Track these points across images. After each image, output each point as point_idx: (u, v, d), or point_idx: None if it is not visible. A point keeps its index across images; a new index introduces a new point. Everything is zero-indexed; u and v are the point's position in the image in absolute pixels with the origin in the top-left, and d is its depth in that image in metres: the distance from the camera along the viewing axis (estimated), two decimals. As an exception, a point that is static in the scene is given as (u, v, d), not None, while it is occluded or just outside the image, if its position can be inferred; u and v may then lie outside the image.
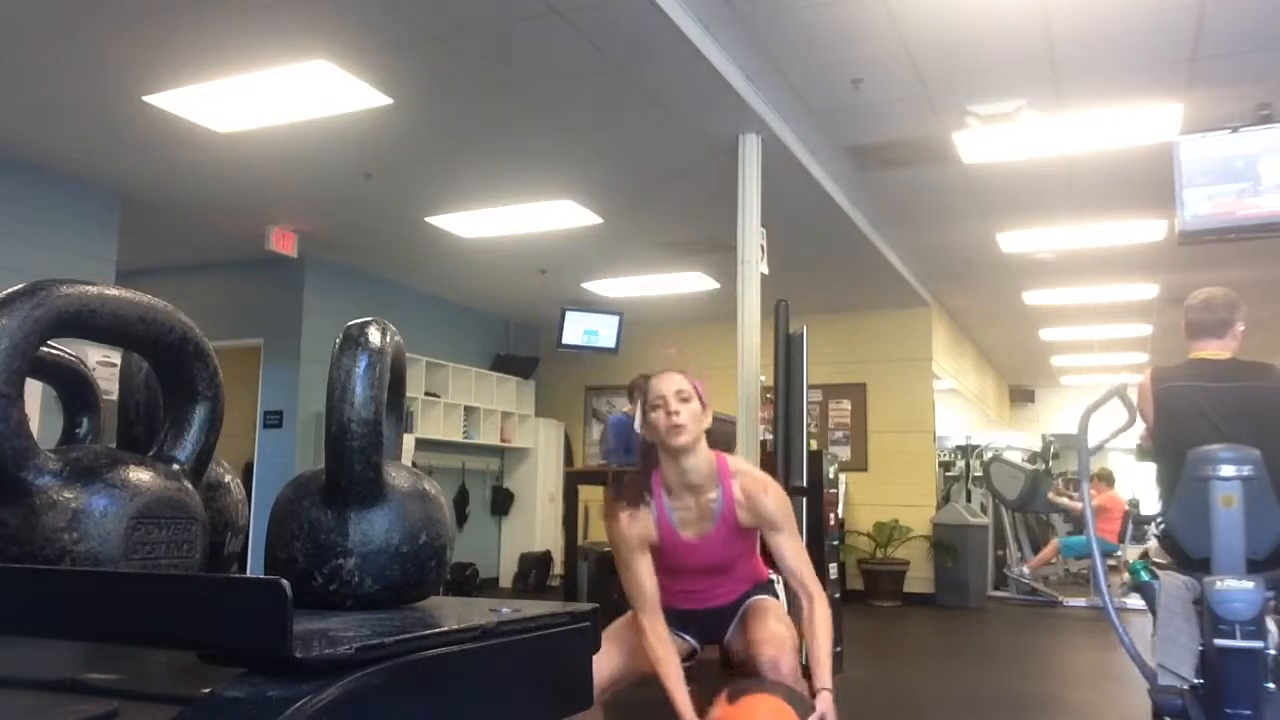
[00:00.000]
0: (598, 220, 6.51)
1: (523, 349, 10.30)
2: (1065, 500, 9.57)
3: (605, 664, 2.45)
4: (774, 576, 2.73)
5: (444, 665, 0.75)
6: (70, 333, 0.86)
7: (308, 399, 7.59)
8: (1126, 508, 9.69)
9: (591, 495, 7.34)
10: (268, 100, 4.62)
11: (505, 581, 9.77)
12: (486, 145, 5.31)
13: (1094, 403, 3.43)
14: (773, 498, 2.49)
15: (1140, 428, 3.44)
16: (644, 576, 2.46)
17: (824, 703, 2.29)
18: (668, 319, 9.36)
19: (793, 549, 2.50)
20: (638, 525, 2.47)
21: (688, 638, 2.69)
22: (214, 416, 1.00)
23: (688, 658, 2.68)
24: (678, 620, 2.61)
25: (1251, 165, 4.31)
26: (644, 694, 4.70)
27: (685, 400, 2.43)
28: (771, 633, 2.45)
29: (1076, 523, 10.14)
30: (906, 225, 7.09)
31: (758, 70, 4.55)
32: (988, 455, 10.07)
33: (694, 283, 8.22)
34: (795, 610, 2.59)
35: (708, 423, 2.49)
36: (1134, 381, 3.46)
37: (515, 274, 8.18)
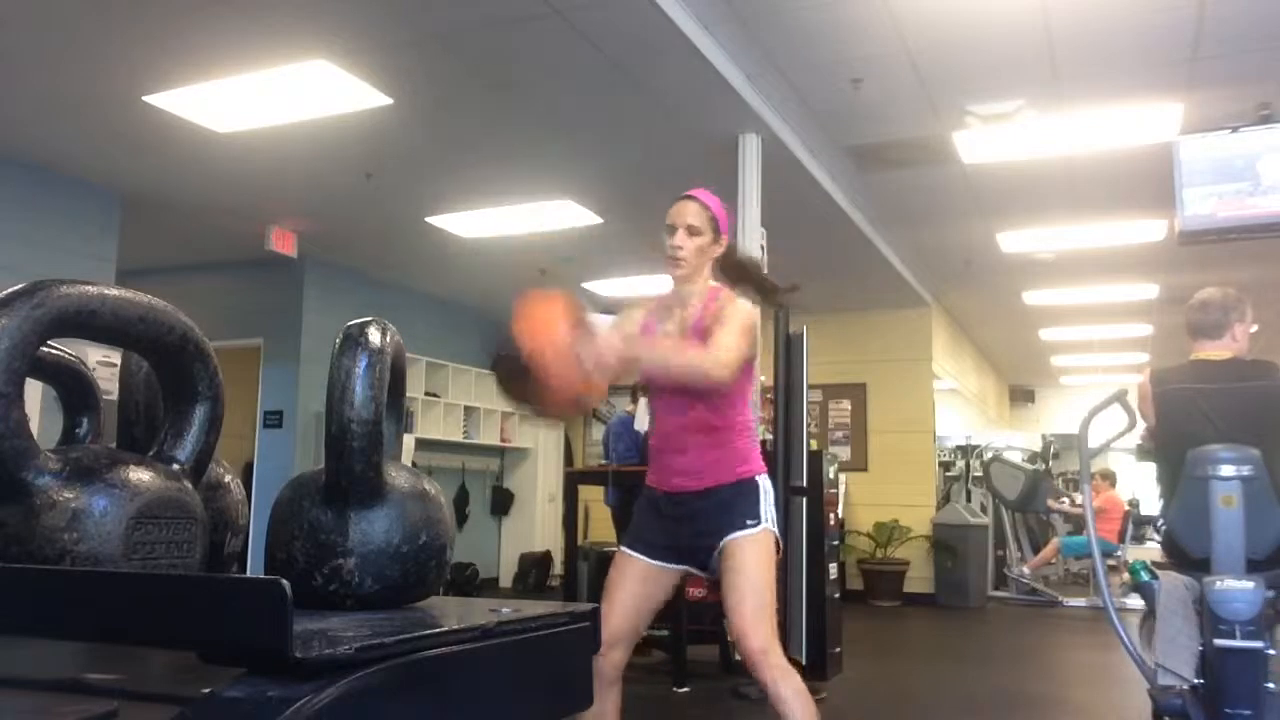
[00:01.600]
0: (598, 220, 6.51)
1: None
2: (1064, 505, 9.58)
3: (612, 618, 2.38)
4: (760, 479, 2.49)
5: (444, 665, 0.75)
6: (70, 333, 0.86)
7: (308, 399, 7.59)
8: (1126, 508, 9.69)
9: (592, 495, 7.36)
10: (268, 100, 4.62)
11: (505, 581, 9.77)
12: (486, 145, 5.31)
13: (1095, 407, 3.43)
14: (733, 306, 2.44)
15: (1141, 427, 3.44)
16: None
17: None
18: (668, 319, 9.35)
19: (719, 331, 2.37)
20: (627, 326, 2.56)
21: (676, 564, 2.49)
22: (214, 416, 1.00)
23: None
24: (661, 529, 2.47)
25: (1251, 165, 4.31)
26: (644, 692, 4.70)
27: (694, 233, 2.48)
28: (739, 602, 2.31)
29: (1076, 523, 10.14)
30: (906, 225, 7.09)
31: (758, 70, 4.55)
32: (988, 455, 10.08)
33: (694, 283, 8.21)
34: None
35: (718, 251, 2.54)
36: (1135, 382, 3.46)
37: (515, 274, 8.18)
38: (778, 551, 2.46)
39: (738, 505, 2.43)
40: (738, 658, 2.44)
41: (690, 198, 2.54)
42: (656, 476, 2.55)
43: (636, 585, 2.45)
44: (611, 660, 2.39)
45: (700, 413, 2.46)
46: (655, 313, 2.59)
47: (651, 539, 2.49)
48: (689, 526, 2.45)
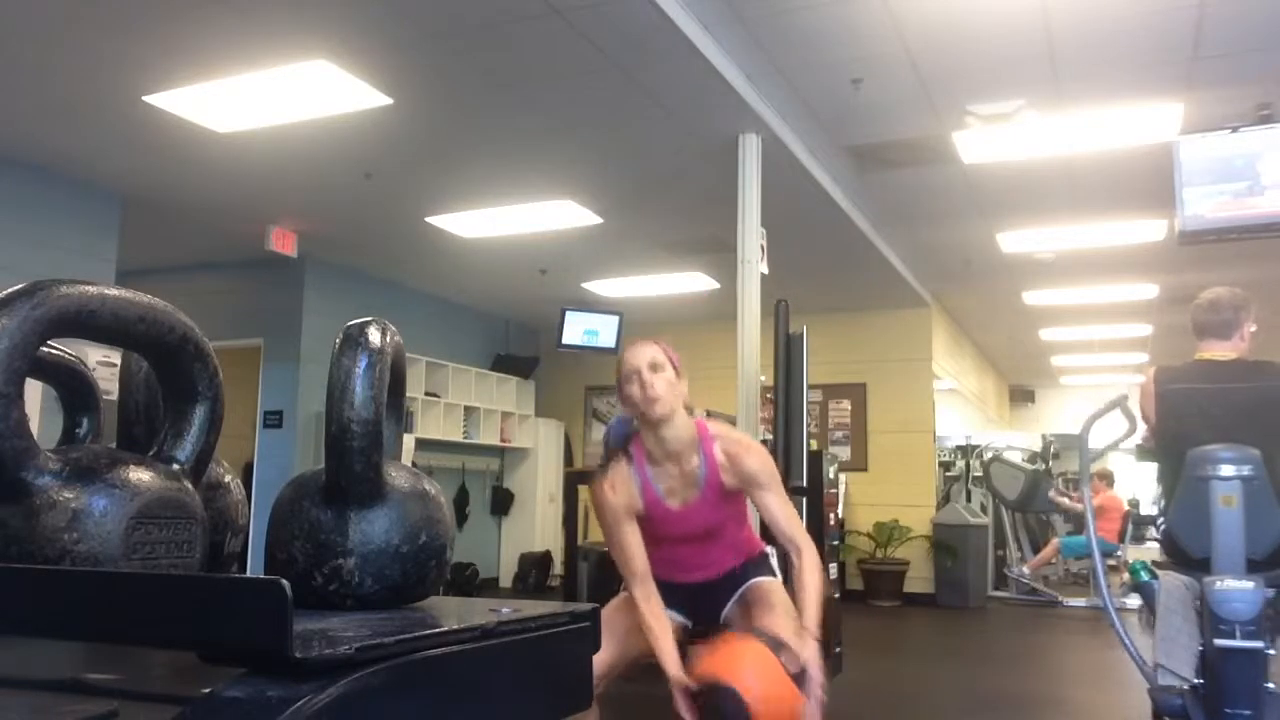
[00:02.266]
0: (598, 220, 6.51)
1: (523, 349, 10.30)
2: (1066, 501, 9.57)
3: (600, 654, 2.41)
4: (769, 550, 2.66)
5: (444, 665, 0.75)
6: (70, 333, 0.86)
7: (308, 399, 7.59)
8: (1126, 508, 9.70)
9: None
10: (268, 100, 4.62)
11: (505, 581, 9.77)
12: (486, 145, 5.32)
13: (1096, 412, 3.43)
14: (755, 457, 2.45)
15: (1142, 429, 3.44)
16: (633, 547, 2.44)
17: (809, 649, 2.26)
18: (668, 319, 9.36)
19: (780, 506, 2.45)
20: (622, 495, 2.46)
21: (676, 615, 2.60)
22: (214, 416, 1.00)
23: (679, 635, 2.65)
24: (667, 596, 2.54)
25: (1251, 165, 4.31)
26: (643, 691, 4.69)
27: (657, 370, 2.39)
28: (779, 626, 2.40)
29: (1076, 523, 10.14)
30: (906, 225, 7.09)
31: (758, 70, 4.55)
32: (988, 455, 10.08)
33: (694, 283, 8.23)
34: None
35: (683, 389, 2.45)
36: (1135, 382, 3.46)
37: (515, 274, 8.19)
38: None
39: (751, 569, 2.60)
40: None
41: (638, 341, 2.49)
42: (666, 575, 2.55)
43: (639, 635, 2.47)
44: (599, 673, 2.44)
45: (722, 545, 2.58)
46: (642, 469, 2.49)
47: (670, 602, 2.55)
48: (705, 597, 2.58)
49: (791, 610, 2.45)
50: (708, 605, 2.60)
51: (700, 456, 2.44)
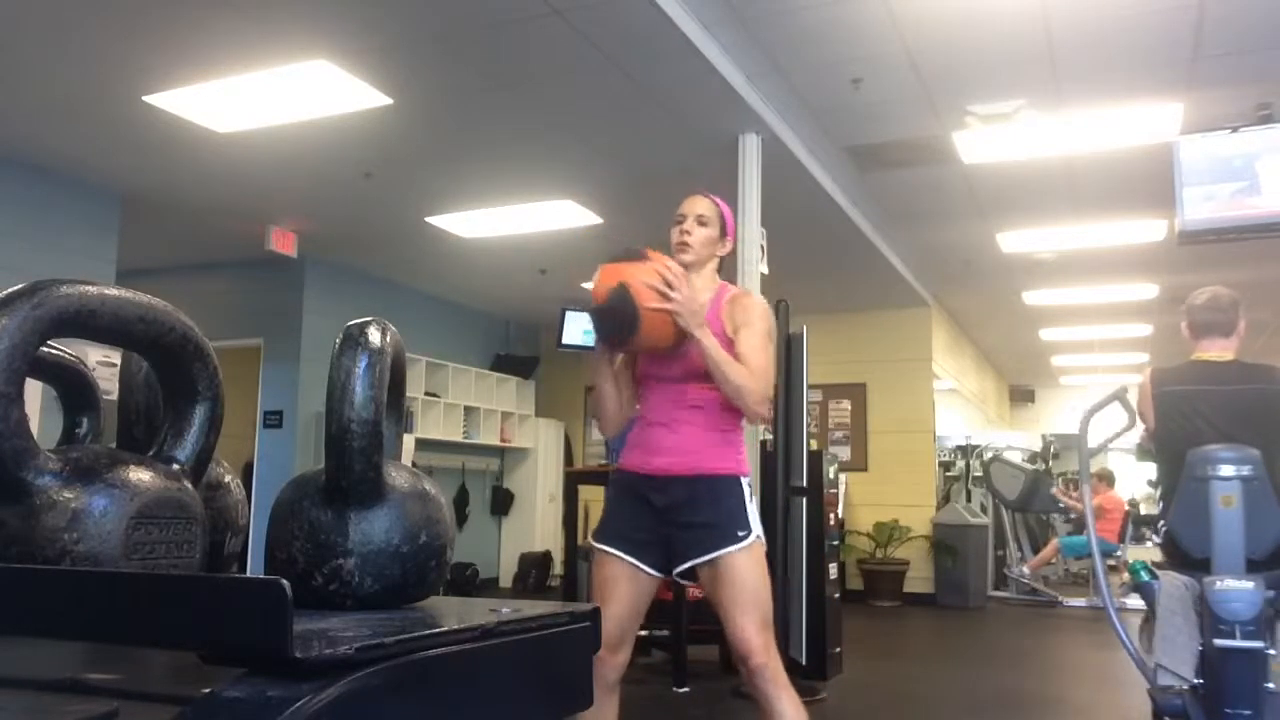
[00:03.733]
0: (598, 220, 6.51)
1: (523, 349, 10.30)
2: (1070, 500, 9.57)
3: (608, 622, 2.27)
4: (744, 480, 2.43)
5: (444, 665, 0.75)
6: (70, 333, 0.86)
7: (308, 399, 7.59)
8: (1126, 508, 9.70)
9: (592, 495, 7.34)
10: (268, 100, 4.62)
11: (505, 581, 9.77)
12: (486, 145, 5.32)
13: (1094, 405, 3.43)
14: (758, 306, 2.52)
15: (1141, 428, 3.44)
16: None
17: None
18: (668, 319, 9.34)
19: (750, 341, 2.40)
20: None
21: (655, 570, 2.40)
22: (214, 416, 1.00)
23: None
24: (640, 525, 2.39)
25: (1251, 165, 4.31)
26: (644, 692, 4.69)
27: (703, 224, 2.55)
28: (738, 622, 2.28)
29: (1076, 523, 10.14)
30: (906, 225, 7.09)
31: (758, 70, 4.55)
32: (988, 455, 10.08)
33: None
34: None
35: (724, 250, 2.59)
36: (1135, 382, 3.46)
37: (515, 274, 8.19)
38: (766, 575, 2.41)
39: (725, 509, 2.35)
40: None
41: (701, 193, 2.62)
42: (637, 458, 2.45)
43: (627, 586, 2.37)
44: (614, 663, 2.35)
45: (700, 391, 2.41)
46: None
47: (630, 533, 2.39)
48: (673, 516, 2.36)
49: (760, 594, 2.32)
50: (677, 530, 2.36)
51: (711, 296, 2.52)
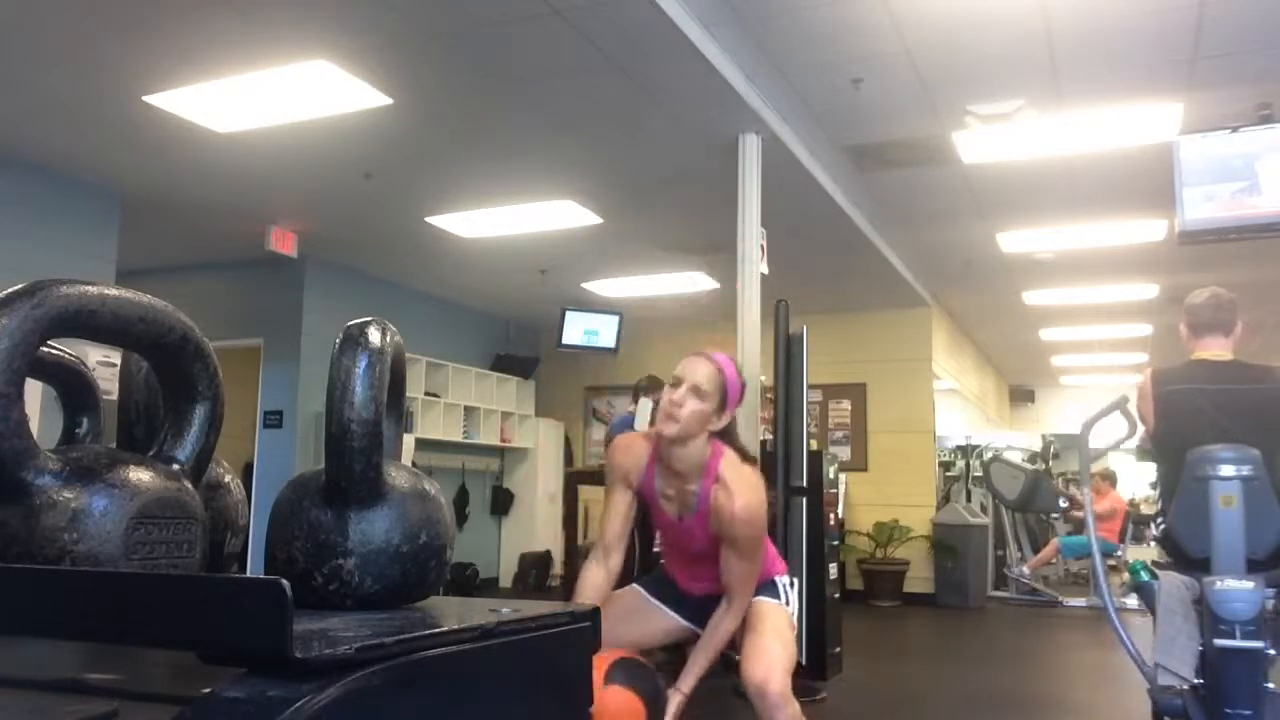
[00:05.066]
0: (598, 220, 6.51)
1: (523, 349, 10.30)
2: (1076, 511, 9.57)
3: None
4: (779, 579, 2.54)
5: (444, 665, 0.75)
6: (70, 333, 0.86)
7: (308, 399, 7.59)
8: (1127, 508, 9.70)
9: (591, 495, 7.35)
10: (268, 100, 4.62)
11: (505, 581, 9.77)
12: (486, 145, 5.32)
13: (1095, 414, 3.42)
14: (740, 524, 2.28)
15: (1141, 432, 3.44)
16: (614, 512, 2.40)
17: (672, 705, 2.24)
18: (668, 319, 9.36)
19: (737, 568, 2.32)
20: (628, 462, 2.42)
21: (686, 621, 2.54)
22: (214, 416, 1.00)
23: (688, 642, 2.62)
24: (677, 600, 2.54)
25: (1250, 165, 4.31)
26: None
27: (698, 396, 2.28)
28: (764, 650, 2.32)
29: (1077, 523, 10.14)
30: (906, 225, 7.09)
31: (758, 70, 4.55)
32: (988, 455, 10.07)
33: (694, 283, 8.23)
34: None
35: (719, 425, 2.33)
36: (1135, 382, 3.45)
37: (515, 274, 8.18)
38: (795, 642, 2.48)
39: (762, 590, 2.49)
40: (739, 658, 2.43)
41: (708, 358, 2.36)
42: (678, 577, 2.55)
43: (650, 620, 2.49)
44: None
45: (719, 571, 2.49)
46: (652, 463, 2.42)
47: (665, 596, 2.53)
48: (710, 608, 2.46)
49: (782, 633, 2.39)
50: (708, 613, 2.50)
51: (699, 486, 2.34)
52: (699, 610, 2.51)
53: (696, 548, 2.41)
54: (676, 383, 2.31)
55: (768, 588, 2.51)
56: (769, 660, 2.30)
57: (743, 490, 2.29)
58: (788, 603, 2.51)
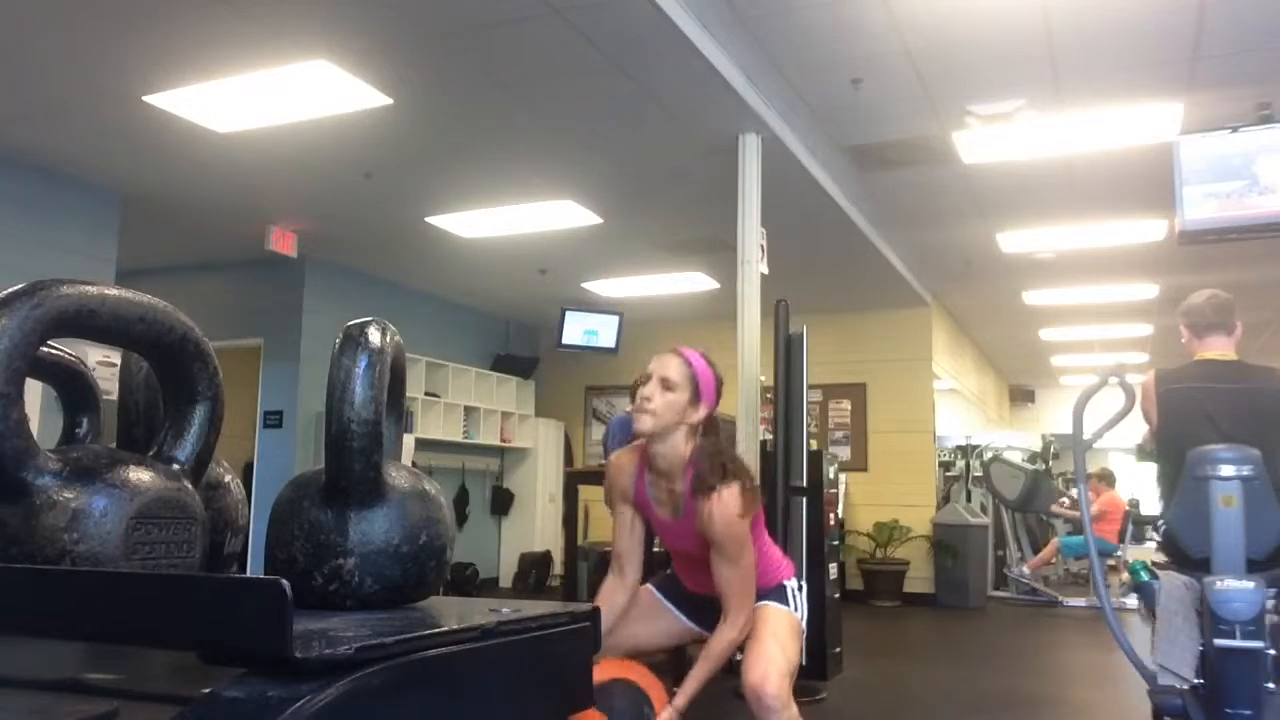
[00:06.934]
0: (598, 220, 6.50)
1: (523, 349, 10.30)
2: (1065, 508, 9.59)
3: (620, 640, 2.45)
4: (789, 584, 2.53)
5: (444, 665, 0.75)
6: (70, 333, 0.86)
7: (308, 399, 7.59)
8: (1126, 508, 9.70)
9: (591, 495, 7.34)
10: (268, 100, 4.62)
11: (505, 581, 9.77)
12: (486, 145, 5.31)
13: (1087, 390, 3.30)
14: (719, 523, 2.27)
15: (1144, 429, 3.44)
16: (621, 528, 2.47)
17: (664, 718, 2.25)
18: (668, 319, 9.36)
19: (727, 575, 2.31)
20: (621, 480, 2.48)
21: (691, 622, 2.57)
22: (214, 416, 1.00)
23: (693, 642, 2.64)
24: (684, 598, 2.57)
25: (1250, 165, 4.31)
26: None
27: (668, 388, 2.31)
28: (762, 653, 2.31)
29: (1076, 523, 10.14)
30: (906, 225, 7.09)
31: (758, 70, 4.55)
32: (988, 455, 10.07)
33: (694, 283, 8.23)
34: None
35: (696, 417, 2.34)
36: (1138, 381, 3.44)
37: (515, 274, 8.19)
38: (800, 647, 2.48)
39: (770, 594, 2.50)
40: (739, 658, 2.43)
41: (675, 353, 2.40)
42: (684, 580, 2.57)
43: (653, 626, 2.51)
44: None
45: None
46: (642, 471, 2.45)
47: (678, 598, 2.55)
48: (712, 609, 2.47)
49: (782, 637, 2.38)
50: (714, 617, 2.49)
51: (683, 487, 2.36)
52: (703, 610, 2.52)
53: (691, 549, 2.43)
54: (645, 379, 2.36)
55: (775, 593, 2.50)
56: (766, 663, 2.29)
57: (720, 491, 2.30)
58: (797, 608, 2.49)
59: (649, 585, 2.60)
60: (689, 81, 4.38)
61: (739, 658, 2.45)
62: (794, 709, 2.31)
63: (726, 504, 2.28)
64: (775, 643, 2.35)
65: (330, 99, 4.60)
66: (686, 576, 2.57)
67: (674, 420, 2.32)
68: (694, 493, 2.32)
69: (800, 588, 2.55)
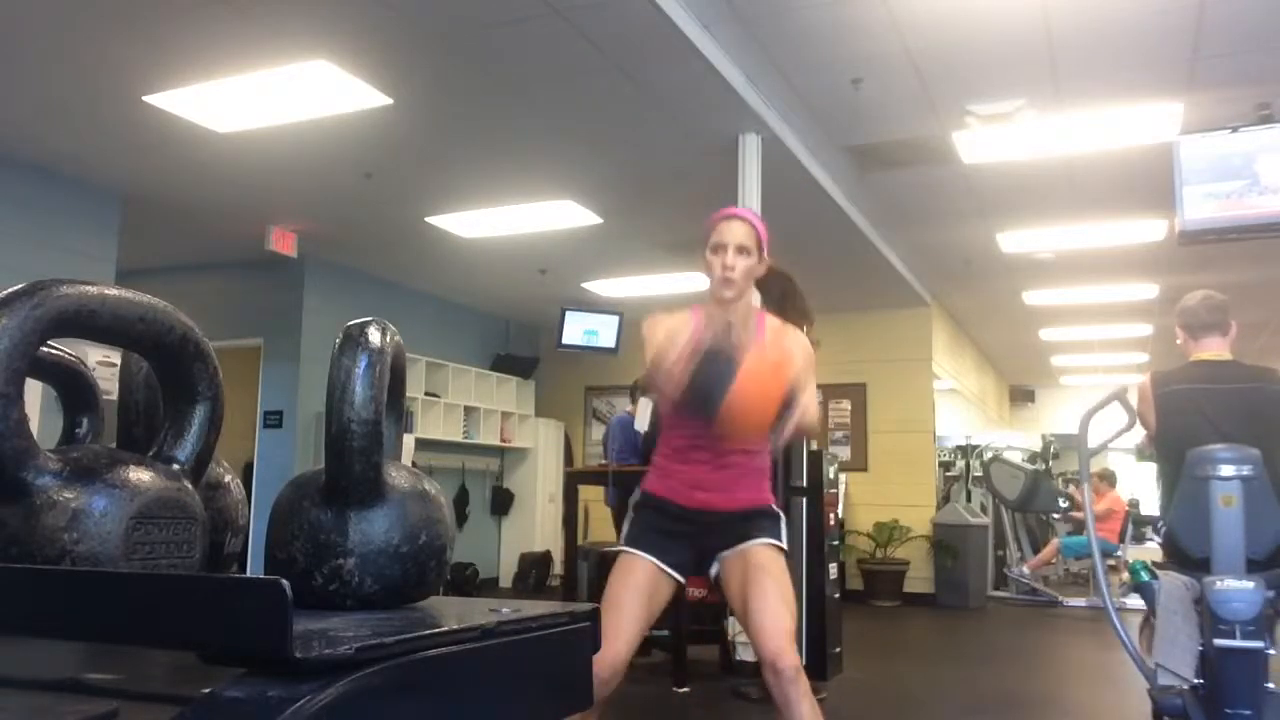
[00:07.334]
0: (598, 220, 6.51)
1: (523, 349, 10.30)
2: (1074, 513, 9.58)
3: (623, 626, 2.27)
4: (779, 512, 2.48)
5: (444, 665, 0.75)
6: (70, 333, 0.86)
7: (308, 399, 7.59)
8: (1127, 508, 9.70)
9: (592, 495, 7.36)
10: (268, 100, 4.62)
11: (505, 581, 9.77)
12: (486, 145, 5.32)
13: (1094, 406, 3.43)
14: (801, 351, 2.43)
15: (1142, 431, 3.44)
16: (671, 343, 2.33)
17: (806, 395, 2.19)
18: (668, 319, 9.35)
19: (809, 386, 2.30)
20: (674, 321, 2.49)
21: (674, 572, 2.39)
22: (214, 416, 1.00)
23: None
24: (670, 533, 2.40)
25: (1250, 165, 4.31)
26: (644, 692, 4.69)
27: (744, 253, 2.42)
28: (773, 617, 2.24)
29: (1076, 523, 10.15)
30: (906, 225, 7.09)
31: (758, 70, 4.55)
32: (988, 455, 10.08)
33: (694, 282, 8.22)
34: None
35: (760, 272, 2.50)
36: (1134, 383, 3.46)
37: (515, 274, 8.19)
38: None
39: (764, 524, 2.40)
40: (739, 658, 2.40)
41: (739, 218, 2.50)
42: (671, 489, 2.43)
43: (645, 594, 2.34)
44: (617, 667, 2.25)
45: (741, 461, 2.43)
46: (698, 321, 2.47)
47: (661, 548, 2.39)
48: (708, 539, 2.39)
49: (786, 592, 2.30)
50: (712, 543, 2.40)
51: (754, 329, 2.48)
52: (691, 543, 2.39)
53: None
54: (720, 248, 2.43)
55: (771, 521, 2.43)
56: (779, 632, 2.21)
57: (798, 332, 2.54)
58: (784, 542, 2.44)
59: (628, 551, 2.41)
60: (689, 81, 4.38)
61: (737, 649, 2.38)
62: (805, 677, 2.24)
63: (803, 338, 2.51)
64: (781, 602, 2.27)
65: (330, 99, 4.60)
66: (701, 483, 2.40)
67: (750, 283, 2.47)
68: (765, 326, 2.46)
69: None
